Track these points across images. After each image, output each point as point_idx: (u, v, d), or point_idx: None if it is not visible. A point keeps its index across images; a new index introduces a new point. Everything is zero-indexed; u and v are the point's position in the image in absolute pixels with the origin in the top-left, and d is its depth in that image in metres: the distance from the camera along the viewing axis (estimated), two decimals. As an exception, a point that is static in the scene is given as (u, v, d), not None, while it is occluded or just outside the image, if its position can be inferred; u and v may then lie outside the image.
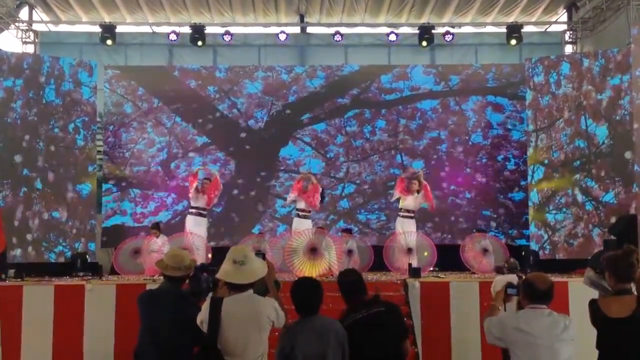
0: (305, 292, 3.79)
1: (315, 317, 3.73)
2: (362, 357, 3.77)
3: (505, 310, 4.04)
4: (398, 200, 9.97)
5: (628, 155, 10.45)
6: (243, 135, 12.65)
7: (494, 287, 6.68)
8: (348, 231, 10.81)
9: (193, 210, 9.99)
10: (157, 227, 10.13)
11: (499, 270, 8.05)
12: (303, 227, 9.44)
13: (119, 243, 10.39)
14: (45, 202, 11.03)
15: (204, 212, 10.04)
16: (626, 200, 10.46)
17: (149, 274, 9.03)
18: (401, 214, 9.84)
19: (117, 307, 7.43)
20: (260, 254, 4.17)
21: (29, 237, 10.81)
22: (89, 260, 10.62)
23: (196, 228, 9.75)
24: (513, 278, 5.92)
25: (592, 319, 3.55)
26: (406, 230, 9.51)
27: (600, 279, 3.93)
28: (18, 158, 10.77)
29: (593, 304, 3.58)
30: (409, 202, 9.75)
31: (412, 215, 9.77)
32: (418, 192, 9.70)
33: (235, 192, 12.44)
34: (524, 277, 5.00)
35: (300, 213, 9.84)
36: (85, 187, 11.56)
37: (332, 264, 8.79)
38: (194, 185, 9.88)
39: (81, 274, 9.40)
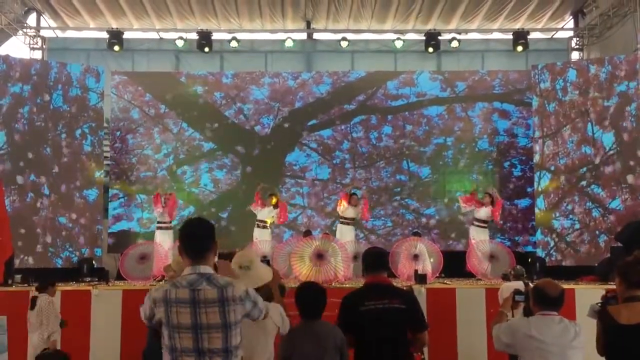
0: (310, 296, 3.87)
1: (316, 322, 3.80)
2: (370, 339, 3.75)
3: (513, 316, 4.02)
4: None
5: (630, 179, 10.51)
6: (249, 141, 12.67)
7: (501, 294, 6.67)
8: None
9: (162, 225, 10.28)
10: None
11: (505, 278, 8.03)
12: (263, 237, 10.05)
13: (125, 248, 10.40)
14: (52, 207, 11.08)
15: (170, 226, 10.30)
16: (633, 207, 10.42)
17: (157, 273, 9.01)
18: (475, 223, 10.21)
19: (124, 312, 7.46)
20: (266, 260, 4.18)
21: (35, 242, 10.84)
22: (95, 266, 10.68)
23: (165, 242, 9.94)
24: (519, 285, 5.90)
25: (602, 326, 3.52)
26: (480, 239, 9.85)
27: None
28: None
29: (603, 311, 3.55)
30: (482, 213, 10.11)
31: (485, 225, 10.13)
32: (492, 203, 10.08)
33: (242, 197, 12.44)
34: (530, 284, 4.98)
35: (260, 223, 10.31)
36: (92, 193, 11.60)
37: (338, 270, 8.78)
38: (159, 203, 10.23)
39: (88, 279, 9.44)
